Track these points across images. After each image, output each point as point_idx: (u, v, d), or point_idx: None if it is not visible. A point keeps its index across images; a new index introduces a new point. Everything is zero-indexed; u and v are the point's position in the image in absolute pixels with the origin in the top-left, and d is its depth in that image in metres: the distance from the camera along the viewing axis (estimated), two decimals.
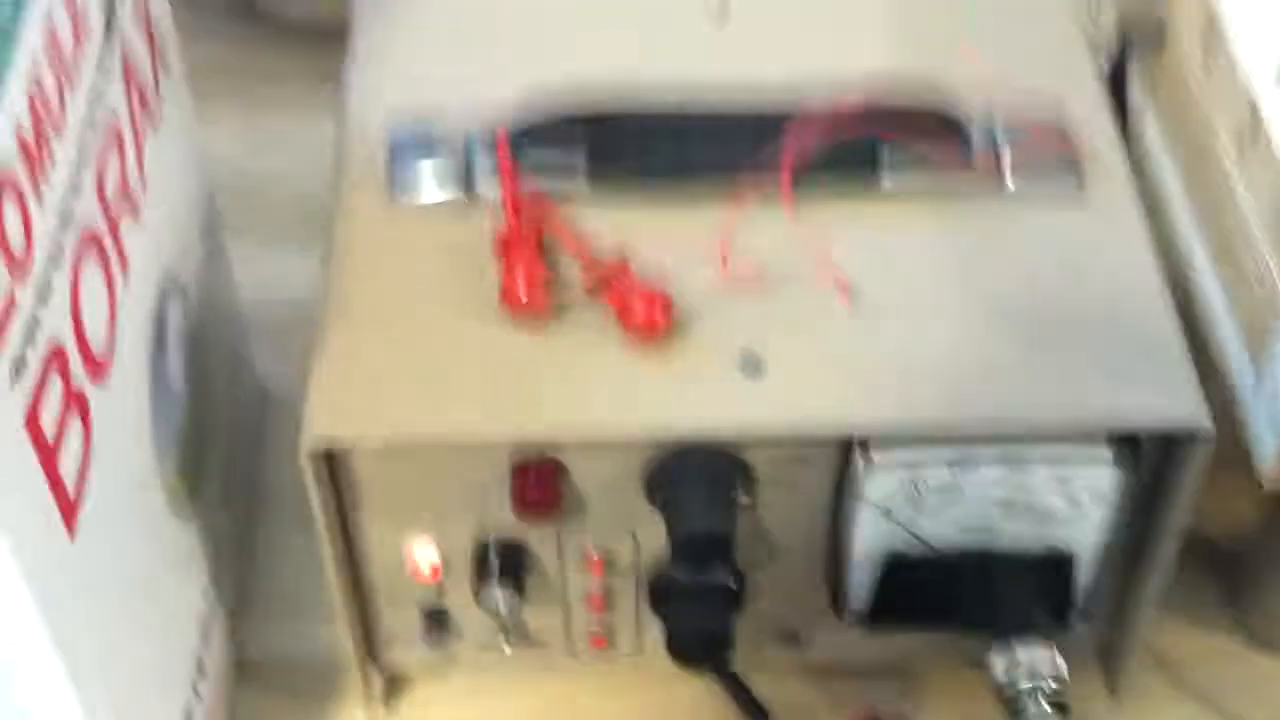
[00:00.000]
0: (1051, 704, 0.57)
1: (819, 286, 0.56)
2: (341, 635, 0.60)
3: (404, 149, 0.60)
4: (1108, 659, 0.63)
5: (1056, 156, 0.59)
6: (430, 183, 0.59)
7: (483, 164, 0.59)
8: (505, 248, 0.56)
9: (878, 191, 0.59)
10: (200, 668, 0.59)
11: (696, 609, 0.56)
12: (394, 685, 0.64)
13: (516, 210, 0.57)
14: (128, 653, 0.52)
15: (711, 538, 0.53)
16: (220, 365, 0.65)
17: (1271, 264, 0.51)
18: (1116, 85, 0.66)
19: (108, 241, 0.50)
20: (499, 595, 0.56)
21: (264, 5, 0.90)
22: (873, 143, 0.58)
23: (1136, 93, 0.65)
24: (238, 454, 0.67)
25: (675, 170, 0.59)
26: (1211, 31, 0.56)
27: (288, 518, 0.69)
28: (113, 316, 0.50)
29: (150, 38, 0.56)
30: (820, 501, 0.56)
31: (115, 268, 0.51)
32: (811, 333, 0.55)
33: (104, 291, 0.49)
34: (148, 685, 0.54)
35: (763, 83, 0.60)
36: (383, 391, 0.54)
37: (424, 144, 0.60)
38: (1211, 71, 0.56)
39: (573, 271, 0.56)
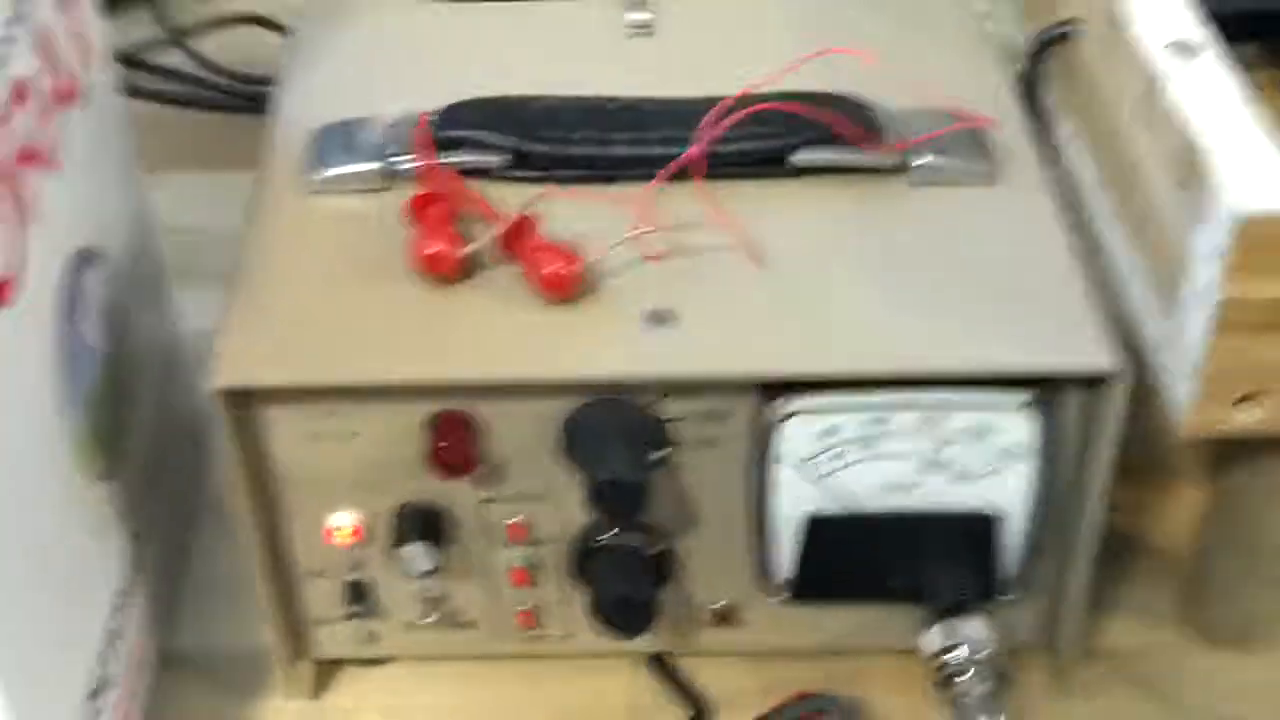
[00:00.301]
0: (985, 674, 0.56)
1: (730, 251, 0.56)
2: (261, 610, 0.59)
3: (326, 135, 0.62)
4: (1050, 643, 0.61)
5: (965, 138, 0.60)
6: (348, 161, 0.60)
7: (401, 141, 0.60)
8: (416, 209, 0.57)
9: (789, 170, 0.59)
10: (111, 641, 0.57)
11: (617, 571, 0.56)
12: (322, 676, 0.63)
13: (430, 176, 0.58)
14: (22, 603, 0.51)
15: (624, 486, 0.52)
16: (148, 353, 0.65)
17: (1175, 217, 0.52)
18: (1029, 90, 0.67)
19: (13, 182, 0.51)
20: (416, 553, 0.56)
21: None
22: (783, 119, 0.59)
23: (1049, 94, 0.66)
24: (174, 454, 0.67)
25: (592, 151, 0.60)
26: (1112, 20, 0.58)
27: (224, 521, 0.66)
28: (13, 251, 0.50)
29: (79, 37, 0.58)
30: (741, 465, 0.55)
31: (18, 207, 0.51)
32: (722, 289, 0.55)
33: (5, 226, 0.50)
34: (46, 643, 0.53)
35: (679, 95, 0.61)
36: (292, 340, 0.54)
37: (346, 132, 0.62)
38: (1113, 55, 0.57)
39: (485, 238, 0.56)
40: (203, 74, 0.91)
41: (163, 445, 0.66)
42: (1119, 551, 0.67)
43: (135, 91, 0.82)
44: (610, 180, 0.59)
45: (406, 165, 0.60)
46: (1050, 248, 0.57)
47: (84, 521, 0.57)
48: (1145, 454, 0.68)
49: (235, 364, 0.54)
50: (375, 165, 0.60)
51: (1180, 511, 0.67)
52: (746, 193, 0.59)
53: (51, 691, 0.53)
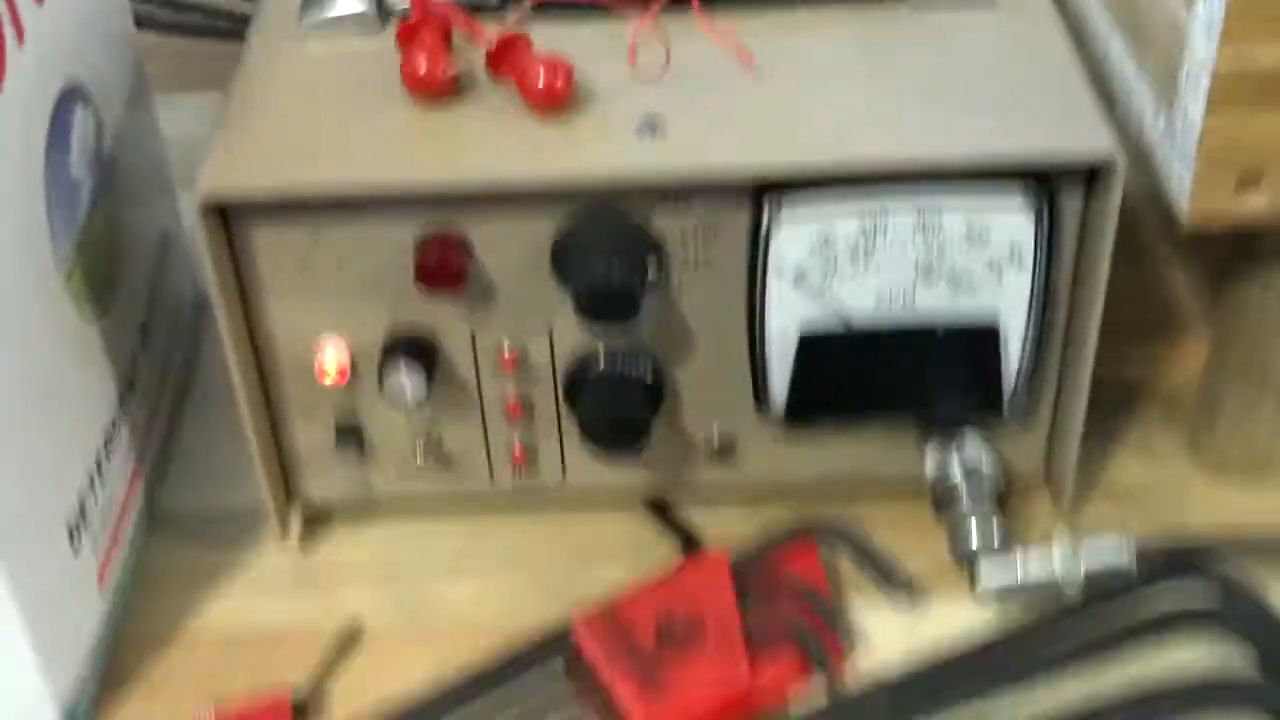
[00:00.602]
0: (983, 495, 0.55)
1: (724, 65, 0.56)
2: (250, 456, 0.58)
3: None
4: (1051, 474, 0.60)
5: None
6: (342, 2, 0.59)
7: None
8: (408, 34, 0.56)
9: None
10: (93, 483, 0.56)
11: (610, 391, 0.55)
12: (313, 530, 0.62)
13: (422, 4, 0.57)
14: (6, 428, 0.51)
15: (615, 293, 0.51)
16: (143, 209, 0.64)
17: (1178, 20, 0.51)
18: None
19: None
20: (405, 383, 0.55)
21: None
22: None
23: None
24: (170, 319, 0.67)
25: None
26: None
27: (218, 392, 0.66)
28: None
29: None
30: (735, 285, 0.55)
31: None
32: (716, 99, 0.54)
33: None
34: (25, 473, 0.52)
35: None
36: (279, 153, 0.53)
37: None
38: None
39: (477, 60, 0.56)
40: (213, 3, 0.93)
41: (158, 305, 0.66)
42: (1129, 398, 0.66)
43: (148, 23, 0.83)
44: (605, 9, 0.58)
45: (401, 5, 0.59)
46: (1050, 57, 0.56)
47: (75, 356, 0.56)
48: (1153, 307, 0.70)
49: (220, 175, 0.53)
50: (368, 6, 0.59)
51: (1190, 362, 0.66)
52: (744, 18, 0.58)
53: (29, 522, 0.52)
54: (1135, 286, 0.72)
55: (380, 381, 0.56)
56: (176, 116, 0.71)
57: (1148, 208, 0.77)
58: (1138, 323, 0.70)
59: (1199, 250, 0.73)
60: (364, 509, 0.62)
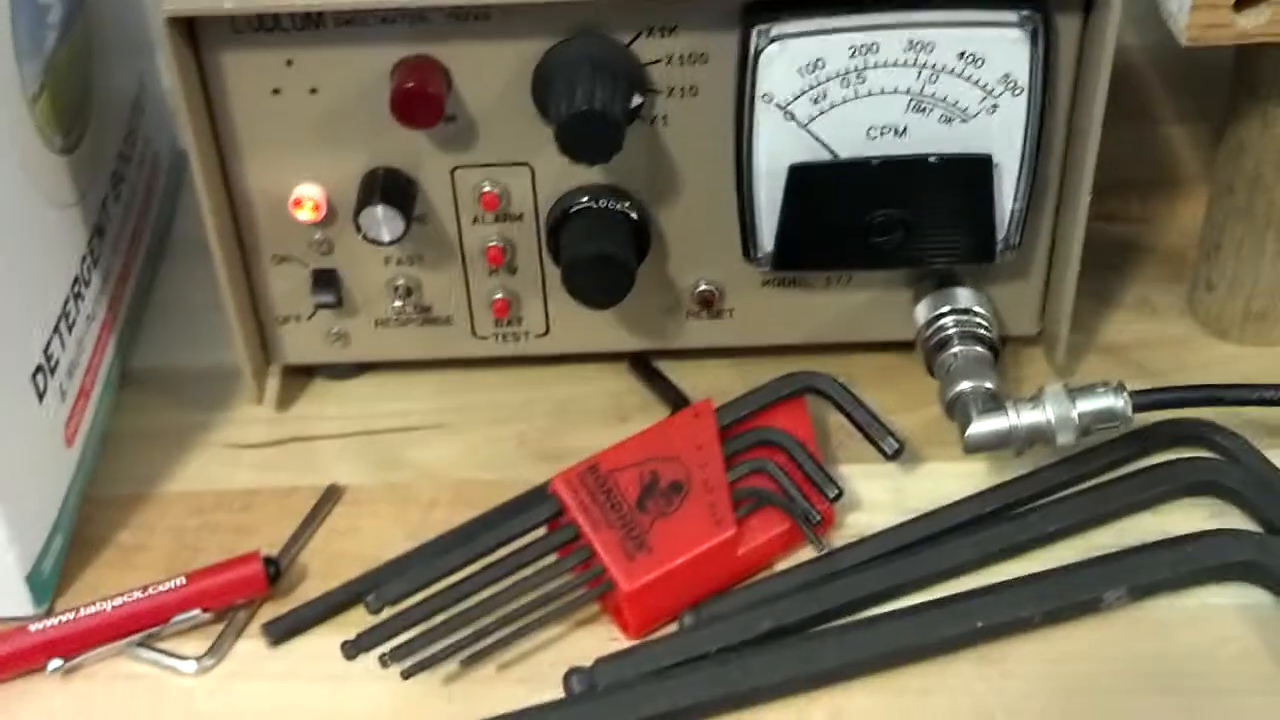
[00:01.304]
0: (976, 341, 0.54)
1: None
2: (223, 304, 0.56)
3: None
4: (1046, 324, 0.58)
5: None
6: None
7: None
8: None
9: None
10: (59, 328, 0.54)
11: (592, 231, 0.53)
12: (291, 387, 0.60)
13: None
14: None
15: (599, 120, 0.49)
16: (116, 49, 0.62)
17: None
18: None
19: None
20: (380, 217, 0.53)
21: None
22: None
23: None
24: (146, 172, 0.64)
25: None
26: None
27: (194, 254, 0.63)
28: None
29: None
30: (723, 120, 0.53)
31: None
32: None
33: None
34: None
35: None
36: None
37: None
38: None
39: None
40: None
41: (133, 159, 0.64)
42: (1127, 254, 0.65)
43: None
44: None
45: None
46: None
47: (38, 185, 0.54)
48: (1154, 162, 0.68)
49: None
50: None
51: (1189, 221, 0.64)
52: None
53: None
54: (1136, 144, 0.70)
55: (356, 218, 0.54)
56: None
57: (1149, 66, 0.76)
58: (1137, 180, 0.68)
59: (1202, 107, 0.71)
60: (342, 364, 0.60)
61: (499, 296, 0.58)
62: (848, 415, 0.55)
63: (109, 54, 0.62)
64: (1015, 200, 0.54)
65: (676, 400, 0.59)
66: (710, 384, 0.60)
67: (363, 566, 0.54)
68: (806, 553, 0.53)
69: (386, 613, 0.50)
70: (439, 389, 0.61)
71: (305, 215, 0.55)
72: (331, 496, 0.56)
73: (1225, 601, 0.51)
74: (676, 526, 0.52)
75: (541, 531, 0.53)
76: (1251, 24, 0.48)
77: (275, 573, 0.53)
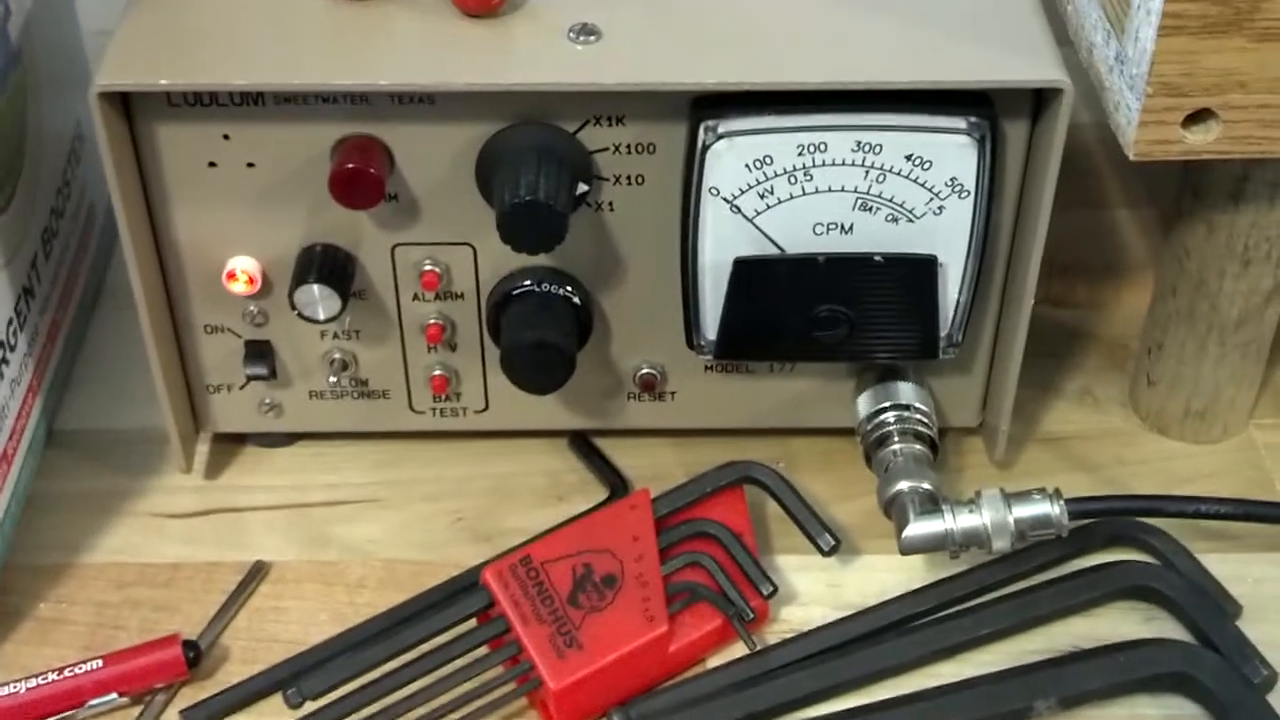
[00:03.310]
0: (916, 439, 0.53)
1: None
2: (153, 373, 0.54)
3: None
4: (986, 421, 0.58)
5: None
6: None
7: None
8: None
9: None
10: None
11: (533, 317, 0.52)
12: (221, 455, 0.59)
13: None
14: None
15: (542, 210, 0.48)
16: (50, 101, 0.60)
17: None
18: None
19: None
20: (315, 295, 0.52)
21: None
22: None
23: None
24: (78, 228, 0.63)
25: None
26: None
27: (125, 310, 0.61)
28: None
29: None
30: (670, 205, 0.52)
31: None
32: (655, 7, 0.51)
33: None
34: None
35: None
36: (186, 44, 0.50)
37: None
38: None
39: None
40: None
41: (66, 214, 0.62)
42: (1071, 342, 0.65)
43: None
44: None
45: None
46: None
47: None
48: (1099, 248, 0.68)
49: (121, 64, 0.49)
50: None
51: (1134, 309, 0.64)
52: None
53: None
54: (1083, 226, 0.70)
55: (291, 295, 0.53)
56: (94, 5, 0.66)
57: (1099, 145, 0.76)
58: (1084, 264, 0.68)
59: (1151, 191, 0.71)
60: (274, 435, 0.59)
61: (438, 372, 0.57)
62: (785, 509, 0.55)
63: (45, 100, 0.60)
64: (959, 299, 0.53)
65: (615, 482, 0.58)
66: (650, 463, 0.59)
67: (286, 650, 0.53)
68: (739, 648, 0.53)
69: (309, 706, 0.49)
70: (374, 461, 0.59)
71: (239, 288, 0.54)
72: (256, 574, 0.55)
73: (1156, 713, 0.51)
74: (608, 622, 0.51)
75: (472, 623, 0.52)
76: (1200, 141, 0.48)
77: (195, 656, 0.52)
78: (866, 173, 0.50)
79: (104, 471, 0.59)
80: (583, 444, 0.59)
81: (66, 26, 0.64)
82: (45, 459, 0.59)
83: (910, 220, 0.51)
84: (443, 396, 0.57)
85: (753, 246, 0.52)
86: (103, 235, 0.67)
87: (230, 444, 0.60)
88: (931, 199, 0.51)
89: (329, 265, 0.53)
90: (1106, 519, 0.55)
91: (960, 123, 0.49)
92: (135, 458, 0.59)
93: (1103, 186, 0.72)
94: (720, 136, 0.49)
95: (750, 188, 0.51)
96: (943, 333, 0.54)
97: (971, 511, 0.52)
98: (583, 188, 0.51)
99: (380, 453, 0.59)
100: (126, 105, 0.51)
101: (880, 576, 0.55)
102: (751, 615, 0.52)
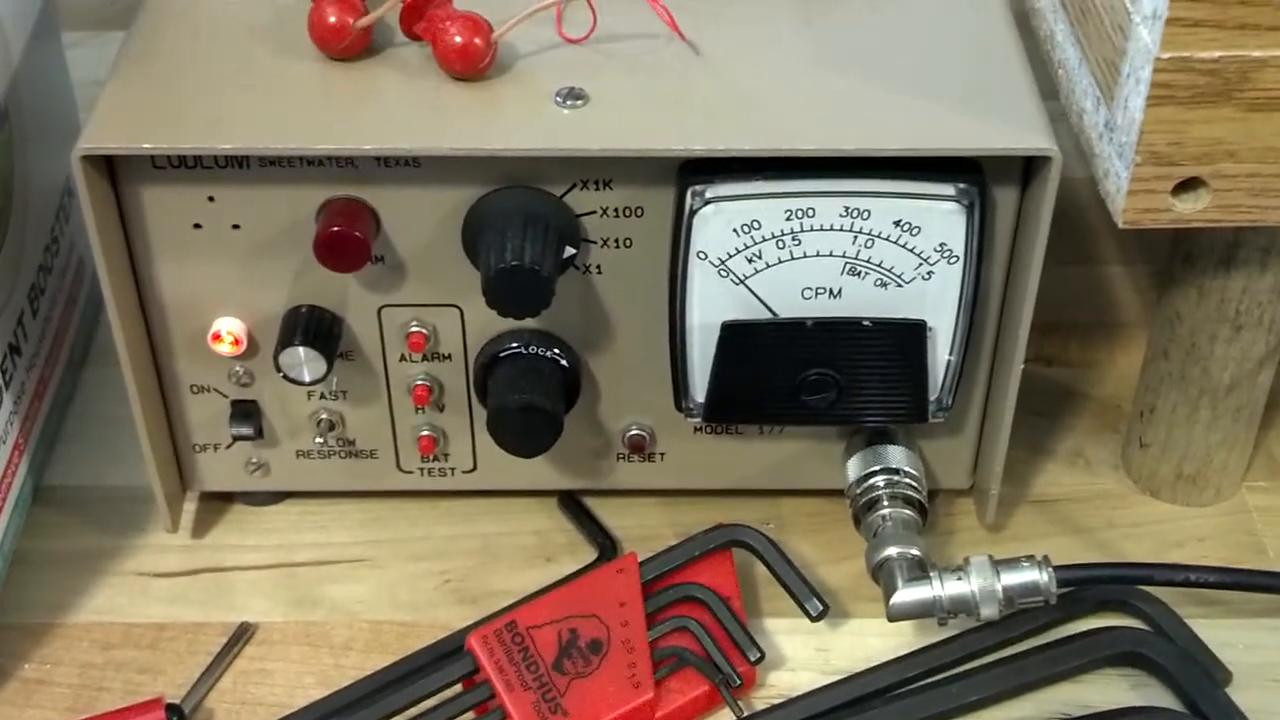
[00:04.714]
0: (905, 504, 0.53)
1: (652, 36, 0.52)
2: (138, 433, 0.54)
3: None
4: (977, 479, 0.58)
5: None
6: None
7: None
8: None
9: None
10: None
11: (521, 380, 0.52)
12: (208, 514, 0.58)
13: None
14: None
15: (528, 275, 0.48)
16: (40, 155, 0.60)
17: (1123, 8, 0.49)
18: None
19: None
20: (300, 358, 0.52)
21: None
22: None
23: None
24: (65, 287, 0.63)
25: None
26: None
27: (119, 371, 0.60)
28: None
29: None
30: (659, 268, 0.52)
31: None
32: (643, 71, 0.52)
33: None
34: None
35: None
36: (170, 108, 0.50)
37: None
38: None
39: (388, 4, 0.52)
40: None
41: (54, 269, 0.62)
42: (1062, 404, 0.64)
43: None
44: None
45: None
46: (992, 42, 0.53)
47: None
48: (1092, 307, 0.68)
49: (105, 127, 0.49)
50: None
51: (1127, 368, 0.64)
52: None
53: None
54: (1075, 286, 0.69)
55: (276, 357, 0.52)
56: (85, 57, 0.67)
57: (1093, 201, 0.75)
58: (1076, 325, 0.68)
59: (1145, 249, 0.71)
60: (261, 493, 0.59)
61: (425, 433, 0.56)
62: (774, 574, 0.54)
63: (33, 156, 0.60)
64: (949, 363, 0.53)
65: (604, 543, 0.58)
66: (639, 523, 0.59)
67: (270, 714, 0.52)
68: (727, 715, 0.52)
69: None
70: (361, 520, 0.59)
71: (225, 349, 0.53)
72: (242, 636, 0.55)
73: None
74: (594, 688, 0.50)
75: (458, 689, 0.51)
76: (1189, 210, 0.48)
77: None
78: (855, 238, 0.50)
79: (90, 530, 0.59)
80: (572, 504, 0.59)
81: (57, 80, 0.64)
82: (31, 516, 0.59)
83: (899, 285, 0.51)
84: (430, 457, 0.57)
85: (740, 309, 0.52)
86: (92, 292, 0.67)
87: (217, 502, 0.59)
88: (920, 264, 0.51)
89: (314, 327, 0.52)
90: (1097, 586, 0.55)
91: (949, 189, 0.49)
92: (122, 516, 0.59)
93: (1096, 242, 0.72)
94: (708, 201, 0.49)
95: (738, 252, 0.51)
96: (932, 396, 0.54)
97: (960, 578, 0.52)
98: (570, 251, 0.51)
99: (367, 512, 0.59)
100: (111, 166, 0.50)
101: (869, 641, 0.55)
102: (738, 681, 0.51)
